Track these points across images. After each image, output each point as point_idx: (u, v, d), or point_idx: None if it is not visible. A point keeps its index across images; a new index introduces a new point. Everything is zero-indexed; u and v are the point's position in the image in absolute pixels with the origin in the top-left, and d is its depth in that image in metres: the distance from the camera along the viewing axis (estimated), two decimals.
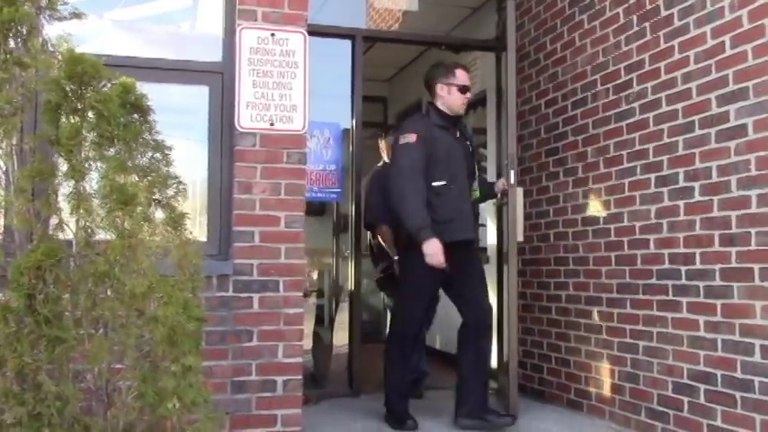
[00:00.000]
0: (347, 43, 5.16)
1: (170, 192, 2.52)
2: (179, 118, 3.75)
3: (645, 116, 3.91)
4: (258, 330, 3.60)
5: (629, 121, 4.04)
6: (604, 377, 4.21)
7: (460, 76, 4.14)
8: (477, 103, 6.12)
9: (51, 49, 2.49)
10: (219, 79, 3.73)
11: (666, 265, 3.72)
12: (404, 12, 6.33)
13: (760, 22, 3.20)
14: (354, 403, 4.66)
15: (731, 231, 3.33)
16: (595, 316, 4.30)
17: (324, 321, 5.87)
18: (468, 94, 4.20)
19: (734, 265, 3.31)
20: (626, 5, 4.08)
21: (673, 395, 3.67)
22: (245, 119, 3.64)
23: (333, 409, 4.43)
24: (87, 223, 2.27)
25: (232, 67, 3.69)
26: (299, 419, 3.65)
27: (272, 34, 3.70)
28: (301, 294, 3.71)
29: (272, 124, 3.67)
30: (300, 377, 3.67)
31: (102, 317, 2.28)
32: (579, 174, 4.48)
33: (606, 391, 4.20)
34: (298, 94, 3.72)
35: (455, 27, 6.37)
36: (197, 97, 3.78)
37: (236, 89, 3.66)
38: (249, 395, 3.57)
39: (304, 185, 3.75)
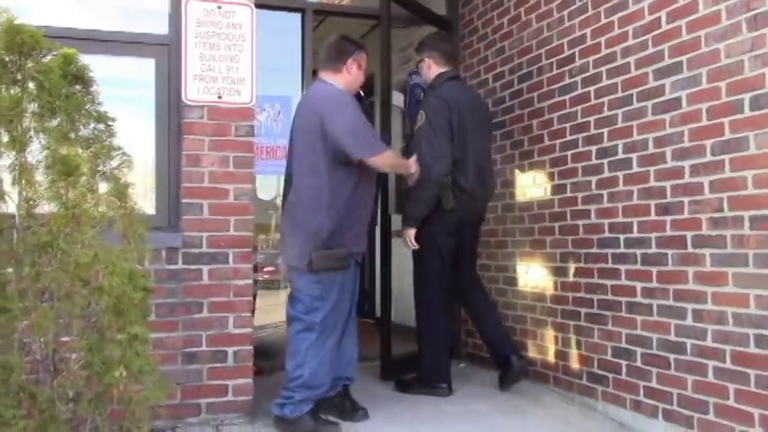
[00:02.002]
0: (297, 17, 5.16)
1: (114, 163, 2.54)
2: (125, 91, 3.73)
3: (586, 90, 4.01)
4: (208, 302, 3.64)
5: (571, 95, 4.14)
6: (548, 344, 4.35)
7: None
8: None
9: None
10: (166, 52, 3.72)
11: (606, 234, 3.85)
12: None
13: None
14: None
15: (666, 201, 3.45)
16: (541, 285, 4.42)
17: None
18: None
19: (668, 233, 3.44)
20: None
21: (612, 359, 3.81)
22: (193, 91, 3.64)
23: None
24: (30, 194, 2.27)
25: (178, 39, 3.68)
26: (250, 389, 3.70)
27: (219, 7, 3.70)
28: (251, 266, 3.75)
29: (219, 97, 3.68)
30: (251, 347, 3.72)
31: (47, 288, 2.29)
32: (525, 147, 4.58)
33: (550, 357, 4.33)
34: (245, 67, 3.73)
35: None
36: (143, 71, 3.77)
37: (182, 62, 3.65)
38: (200, 366, 3.61)
39: (253, 158, 3.77)
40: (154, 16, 3.80)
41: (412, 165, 4.00)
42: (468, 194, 4.29)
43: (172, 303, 3.57)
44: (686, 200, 3.34)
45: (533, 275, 4.51)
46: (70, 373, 2.32)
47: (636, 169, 3.64)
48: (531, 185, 4.53)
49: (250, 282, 3.74)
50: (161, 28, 3.75)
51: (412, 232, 4.18)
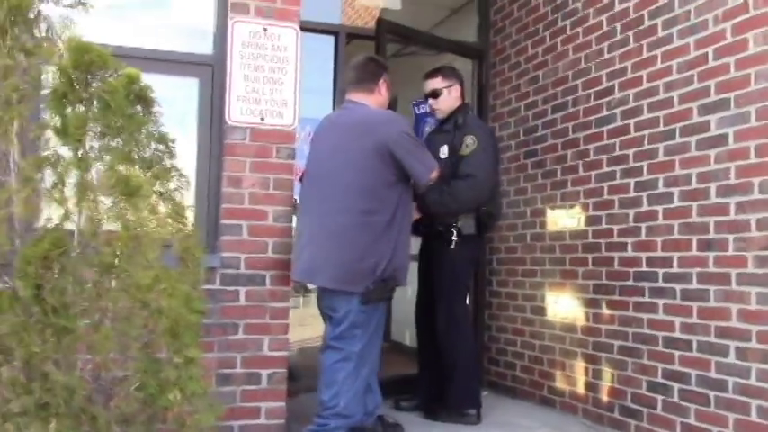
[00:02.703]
0: (330, 39, 5.19)
1: (172, 184, 2.53)
2: (167, 110, 3.72)
3: (626, 122, 4.02)
4: (244, 323, 3.62)
5: (609, 127, 4.14)
6: (578, 375, 4.32)
7: None
8: None
9: (53, 36, 2.47)
10: (210, 72, 3.73)
11: (644, 268, 3.83)
12: (384, 9, 6.35)
13: (743, 36, 3.31)
14: None
15: (709, 237, 3.44)
16: (571, 316, 4.39)
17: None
18: None
19: (711, 269, 3.42)
20: (610, 13, 4.18)
21: (647, 393, 3.78)
22: (236, 112, 3.64)
23: (311, 403, 4.45)
24: (93, 214, 2.26)
25: (223, 60, 3.69)
26: (283, 412, 3.68)
27: (265, 29, 3.71)
28: (288, 289, 3.73)
29: (262, 119, 3.68)
30: (285, 370, 3.70)
31: (106, 308, 2.28)
32: (558, 176, 4.58)
33: (580, 388, 4.30)
34: (289, 89, 3.74)
35: (433, 28, 6.41)
36: (184, 89, 3.77)
37: (226, 82, 3.66)
38: (234, 387, 3.58)
39: (292, 181, 3.77)
40: (198, 35, 3.81)
41: None
42: (495, 220, 4.31)
43: (207, 324, 3.51)
44: (731, 237, 3.33)
45: (563, 306, 4.49)
46: (126, 394, 2.29)
47: (677, 204, 3.64)
48: (564, 215, 4.52)
49: (287, 304, 3.72)
50: (205, 47, 3.76)
51: (416, 214, 4.00)
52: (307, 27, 4.76)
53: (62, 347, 2.13)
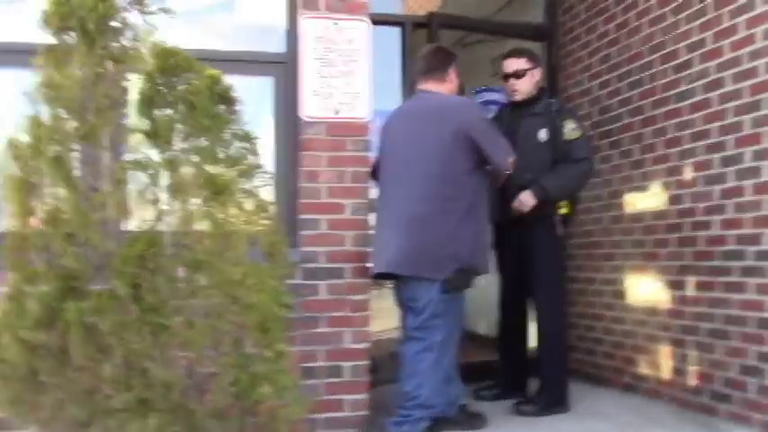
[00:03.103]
0: (395, 31, 5.16)
1: (256, 181, 2.57)
2: (245, 109, 3.78)
3: (707, 96, 3.89)
4: (325, 317, 3.65)
5: (690, 101, 4.02)
6: (663, 360, 4.22)
7: None
8: None
9: (138, 43, 2.53)
10: (284, 69, 3.76)
11: (732, 246, 3.71)
12: None
13: None
14: None
15: None
16: (654, 299, 4.29)
17: None
18: None
19: None
20: None
21: (738, 377, 3.67)
22: (311, 108, 3.67)
23: (390, 395, 4.47)
24: (184, 213, 2.31)
25: (296, 56, 3.72)
26: (366, 404, 3.69)
27: (335, 23, 3.73)
28: (367, 281, 3.74)
29: (336, 113, 3.70)
30: (367, 362, 3.71)
31: (199, 305, 2.33)
32: (636, 156, 4.47)
33: (665, 373, 4.20)
34: (361, 81, 3.75)
35: (499, 11, 6.34)
36: (260, 88, 3.82)
37: (300, 79, 3.69)
38: (317, 381, 3.61)
39: (368, 173, 3.78)
40: (271, 34, 3.85)
41: None
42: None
43: (290, 318, 3.58)
44: None
45: (646, 289, 4.39)
46: (220, 389, 2.34)
47: (766, 178, 3.51)
48: (644, 196, 4.41)
49: (367, 297, 3.73)
50: (279, 46, 3.79)
51: (533, 201, 3.98)
52: (373, 19, 4.77)
53: (159, 344, 2.19)
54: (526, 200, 3.99)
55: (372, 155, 3.90)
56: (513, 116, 4.27)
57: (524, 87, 4.26)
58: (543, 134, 4.10)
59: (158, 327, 2.18)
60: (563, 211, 4.09)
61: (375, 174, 3.76)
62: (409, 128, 3.65)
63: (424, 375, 3.46)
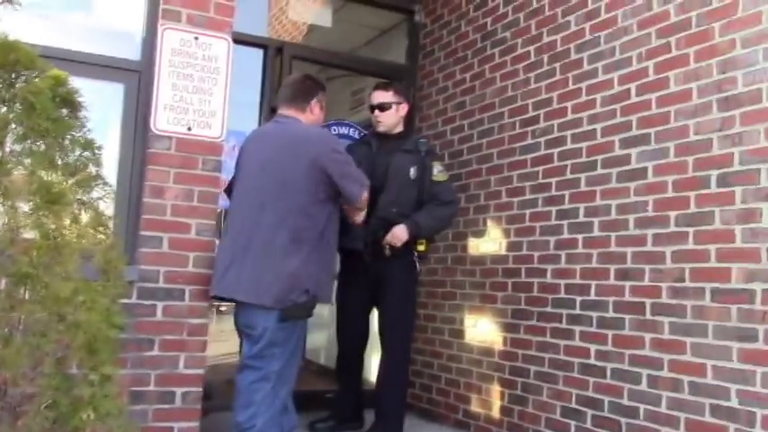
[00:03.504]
0: (258, 52, 5.12)
1: (96, 193, 2.43)
2: (89, 115, 3.58)
3: (549, 151, 4.12)
4: (160, 339, 3.49)
5: (533, 155, 4.24)
6: (494, 399, 4.37)
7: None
8: None
9: None
10: (137, 78, 3.61)
11: (562, 295, 3.92)
12: (313, 26, 6.34)
13: (664, 75, 3.46)
14: None
15: (626, 266, 3.55)
16: (489, 340, 4.44)
17: None
18: None
19: (627, 298, 3.53)
20: (537, 45, 4.29)
21: (561, 419, 3.85)
22: (162, 121, 3.54)
23: (222, 423, 4.33)
24: (11, 220, 2.13)
25: (151, 66, 3.58)
26: None
27: (196, 38, 3.63)
28: (207, 305, 3.63)
29: (189, 129, 3.59)
30: (200, 389, 3.58)
31: (19, 320, 2.15)
32: (481, 201, 4.65)
33: (495, 412, 4.35)
34: (218, 100, 3.67)
35: (361, 47, 6.43)
36: (108, 94, 3.64)
37: (153, 90, 3.55)
38: (146, 406, 3.44)
39: (217, 194, 3.68)
40: (126, 40, 3.69)
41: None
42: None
43: (121, 339, 3.39)
44: (647, 267, 3.45)
45: (481, 330, 4.54)
46: (36, 413, 2.16)
47: (597, 233, 3.75)
48: (486, 240, 4.59)
49: (206, 321, 3.61)
50: (133, 53, 3.64)
51: (406, 236, 4.06)
52: (236, 39, 4.70)
53: None
54: (401, 234, 4.05)
55: (223, 176, 3.80)
56: (381, 149, 4.32)
57: (388, 120, 4.34)
58: (413, 172, 4.18)
59: None
60: (420, 248, 4.15)
61: (229, 193, 3.66)
62: (264, 153, 3.56)
63: (258, 406, 3.36)
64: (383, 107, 4.30)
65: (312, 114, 3.65)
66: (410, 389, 5.08)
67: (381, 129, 4.34)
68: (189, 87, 3.61)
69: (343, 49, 6.11)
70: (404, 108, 4.38)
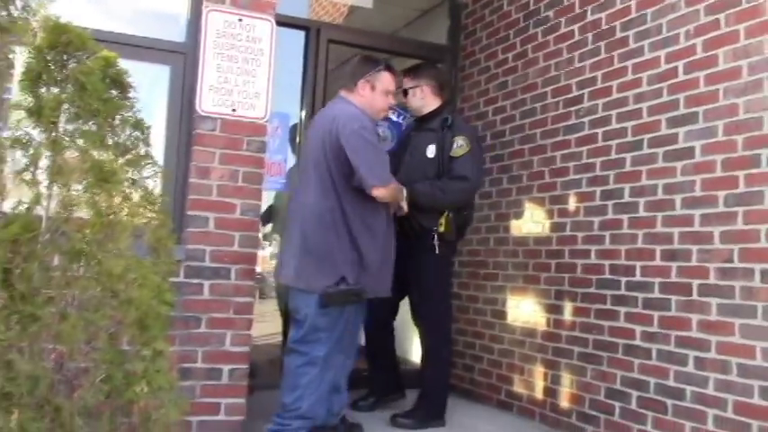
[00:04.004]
0: (299, 34, 5.13)
1: (146, 172, 2.47)
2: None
3: (594, 131, 4.07)
4: (207, 317, 3.56)
5: (577, 135, 4.19)
6: (537, 380, 4.36)
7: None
8: None
9: (29, 14, 2.39)
10: (182, 60, 3.66)
11: (607, 276, 3.89)
12: (354, 7, 6.32)
13: (713, 52, 3.38)
14: None
15: (673, 247, 3.51)
16: (532, 321, 4.43)
17: None
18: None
19: (673, 279, 3.49)
20: (581, 23, 4.23)
21: (605, 400, 3.83)
22: (207, 102, 3.58)
23: (268, 401, 4.39)
24: (65, 199, 2.19)
25: (196, 48, 3.63)
26: (243, 409, 3.63)
27: (240, 19, 3.66)
28: (252, 283, 3.68)
29: (233, 110, 3.63)
30: (247, 366, 3.64)
31: (74, 296, 2.21)
32: (524, 182, 4.62)
33: (538, 393, 4.34)
34: (262, 81, 3.70)
35: (402, 28, 6.40)
36: (155, 76, 3.70)
37: (198, 72, 3.60)
38: (194, 382, 3.52)
39: (262, 174, 3.72)
40: (171, 22, 3.74)
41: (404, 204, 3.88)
42: (469, 226, 4.39)
43: (170, 316, 3.46)
44: (695, 248, 3.40)
45: (524, 310, 4.53)
46: (91, 386, 2.22)
47: (642, 213, 3.70)
48: (529, 221, 4.56)
49: (251, 300, 3.66)
50: (179, 35, 3.69)
51: (405, 205, 3.90)
52: (278, 21, 4.73)
53: (27, 335, 2.06)
54: (403, 204, 3.93)
55: (268, 156, 3.85)
56: (415, 131, 4.35)
57: (412, 104, 4.37)
58: (431, 150, 4.15)
59: (28, 316, 2.04)
60: (441, 229, 4.08)
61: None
62: (310, 134, 3.63)
63: (304, 389, 3.40)
64: (405, 92, 4.36)
65: (361, 95, 3.61)
66: (453, 369, 5.09)
67: (414, 113, 4.43)
68: (233, 69, 3.64)
69: (385, 31, 6.09)
70: (422, 90, 4.32)
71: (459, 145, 4.10)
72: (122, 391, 2.27)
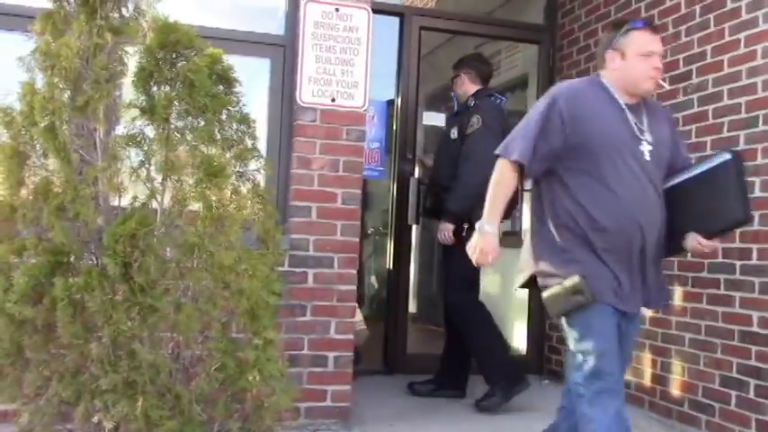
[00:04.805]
0: (393, 21, 5.13)
1: (252, 165, 2.53)
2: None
3: (704, 108, 3.89)
4: (312, 305, 3.62)
5: (685, 113, 4.01)
6: (645, 367, 4.23)
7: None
8: (516, 86, 6.11)
9: (139, 15, 2.47)
10: (282, 52, 3.72)
11: (720, 260, 3.72)
12: None
13: None
14: (389, 381, 4.70)
15: None
16: None
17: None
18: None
19: None
20: None
21: (720, 388, 3.68)
22: (307, 93, 3.63)
23: (371, 386, 4.45)
24: (178, 193, 2.26)
25: (295, 40, 3.68)
26: (348, 395, 3.68)
27: (337, 9, 3.68)
28: (355, 272, 3.72)
29: (333, 100, 3.66)
30: (351, 354, 3.69)
31: (188, 287, 2.28)
32: None
33: (647, 380, 4.21)
34: (360, 70, 3.71)
35: (498, 8, 6.29)
36: (256, 69, 3.77)
37: (298, 63, 3.64)
38: (301, 369, 3.59)
39: (362, 163, 3.75)
40: (270, 16, 3.80)
41: None
42: (510, 208, 4.30)
43: (277, 306, 3.55)
44: None
45: None
46: (207, 374, 2.30)
47: (759, 194, 3.51)
48: None
49: (353, 288, 3.70)
50: (278, 28, 3.74)
51: (450, 228, 4.14)
52: (373, 8, 4.74)
53: (147, 326, 2.14)
54: (445, 230, 4.16)
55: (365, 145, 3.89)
56: (451, 118, 4.61)
57: (456, 92, 4.54)
58: (454, 132, 4.28)
59: (147, 308, 2.13)
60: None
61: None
62: None
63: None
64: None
65: (612, 69, 2.81)
66: (555, 355, 5.04)
67: (457, 100, 4.58)
68: (332, 59, 3.67)
69: (479, 12, 6.00)
70: (460, 79, 4.47)
71: (472, 123, 4.16)
72: (236, 379, 2.34)
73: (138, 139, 2.29)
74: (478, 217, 2.78)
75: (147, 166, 2.27)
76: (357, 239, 3.69)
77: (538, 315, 5.20)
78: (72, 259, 2.21)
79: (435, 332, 4.71)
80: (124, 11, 2.37)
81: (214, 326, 2.33)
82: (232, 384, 2.34)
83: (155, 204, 2.31)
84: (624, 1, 4.61)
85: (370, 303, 6.53)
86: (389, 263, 5.05)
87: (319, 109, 3.65)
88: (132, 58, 2.44)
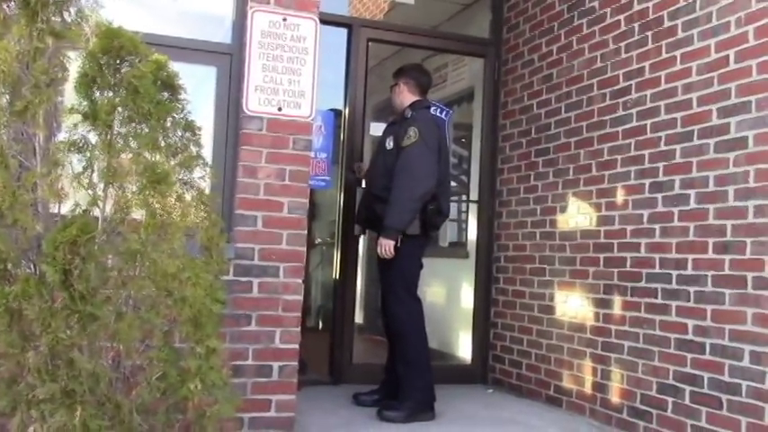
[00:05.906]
0: (342, 32, 5.16)
1: (197, 173, 2.51)
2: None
3: (642, 123, 4.00)
4: (257, 315, 3.60)
5: (625, 127, 4.13)
6: (586, 375, 4.32)
7: None
8: (462, 98, 6.20)
9: (82, 20, 2.44)
10: (228, 60, 3.70)
11: (657, 270, 3.83)
12: (394, 2, 6.32)
13: (766, 39, 3.31)
14: (335, 391, 4.70)
15: (725, 239, 3.44)
16: (580, 316, 4.39)
17: None
18: None
19: (727, 272, 3.42)
20: (628, 13, 4.17)
21: (657, 395, 3.78)
22: (253, 102, 3.62)
23: (317, 396, 4.45)
24: (120, 200, 2.24)
25: (242, 49, 3.67)
26: (293, 405, 3.66)
27: (284, 19, 3.68)
28: (300, 281, 3.71)
29: (279, 109, 3.66)
30: (296, 363, 3.67)
31: (130, 295, 2.25)
32: (570, 175, 4.57)
33: (588, 388, 4.30)
34: (307, 80, 3.72)
35: (444, 22, 6.38)
36: (199, 77, 3.74)
37: (245, 72, 3.63)
38: (245, 379, 3.55)
39: (308, 173, 3.75)
40: (217, 24, 3.78)
41: None
42: (444, 218, 4.39)
43: (221, 315, 3.52)
44: (749, 240, 3.33)
45: (572, 305, 4.48)
46: (148, 384, 2.27)
47: (693, 206, 3.63)
48: (576, 214, 4.51)
49: (299, 297, 3.69)
50: (225, 36, 3.73)
51: (391, 243, 4.08)
52: (321, 19, 4.75)
53: (87, 334, 2.11)
54: (386, 245, 4.10)
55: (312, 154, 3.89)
56: (387, 127, 4.56)
57: (393, 101, 4.54)
58: (389, 142, 4.30)
59: (87, 316, 2.09)
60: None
61: None
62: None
63: None
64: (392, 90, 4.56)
65: None
66: (499, 364, 5.10)
67: (394, 109, 4.58)
68: (278, 68, 3.67)
69: (426, 26, 6.07)
70: (400, 87, 4.46)
71: (409, 135, 4.15)
72: (177, 388, 2.31)
73: (80, 145, 2.26)
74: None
75: (89, 172, 2.24)
76: (303, 249, 3.69)
77: (482, 324, 5.28)
78: (9, 267, 2.16)
79: (381, 342, 4.72)
80: (66, 15, 2.34)
81: (156, 334, 2.30)
82: (173, 394, 2.32)
83: (97, 212, 2.27)
84: (567, 17, 4.73)
85: (317, 313, 6.51)
86: (336, 273, 5.05)
87: (266, 118, 3.64)
88: (74, 63, 2.42)
